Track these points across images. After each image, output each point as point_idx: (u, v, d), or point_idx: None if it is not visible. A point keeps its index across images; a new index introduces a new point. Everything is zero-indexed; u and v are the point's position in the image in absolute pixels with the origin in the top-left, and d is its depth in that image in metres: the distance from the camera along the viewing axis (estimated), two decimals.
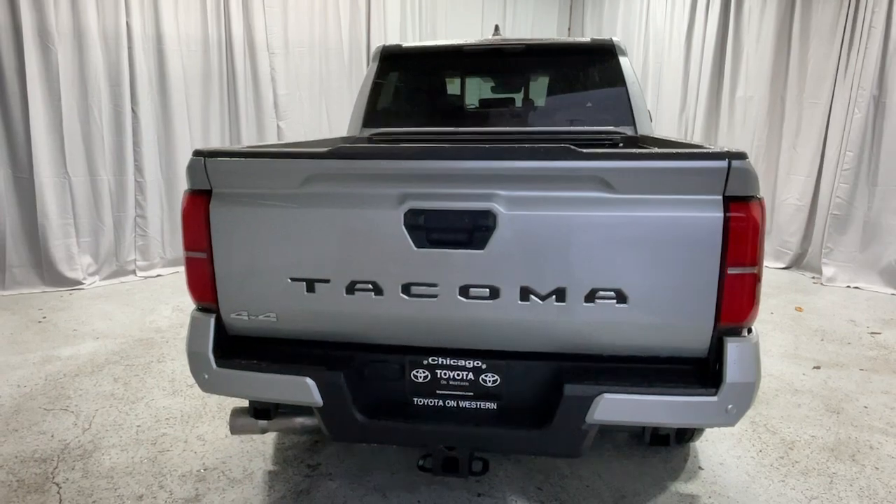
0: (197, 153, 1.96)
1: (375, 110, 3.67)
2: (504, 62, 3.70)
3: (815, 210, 5.98)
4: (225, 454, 2.86)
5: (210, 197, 1.98)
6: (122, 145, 5.62)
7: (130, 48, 5.53)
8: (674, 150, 1.77)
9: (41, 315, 4.82)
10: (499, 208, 1.82)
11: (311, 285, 1.95)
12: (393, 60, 3.64)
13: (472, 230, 1.83)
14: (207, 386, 2.08)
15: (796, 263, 6.20)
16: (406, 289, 1.90)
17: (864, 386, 3.63)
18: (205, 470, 2.74)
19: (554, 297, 1.85)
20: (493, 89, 3.98)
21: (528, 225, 1.82)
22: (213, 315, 2.07)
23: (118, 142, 5.61)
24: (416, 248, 1.86)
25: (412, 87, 3.74)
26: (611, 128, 3.42)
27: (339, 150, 1.87)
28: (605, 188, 1.77)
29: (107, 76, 5.48)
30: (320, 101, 6.73)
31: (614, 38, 3.41)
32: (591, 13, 8.40)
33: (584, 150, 1.76)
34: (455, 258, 1.86)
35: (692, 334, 1.85)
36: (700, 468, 2.78)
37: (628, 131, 3.40)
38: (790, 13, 5.94)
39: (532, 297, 1.85)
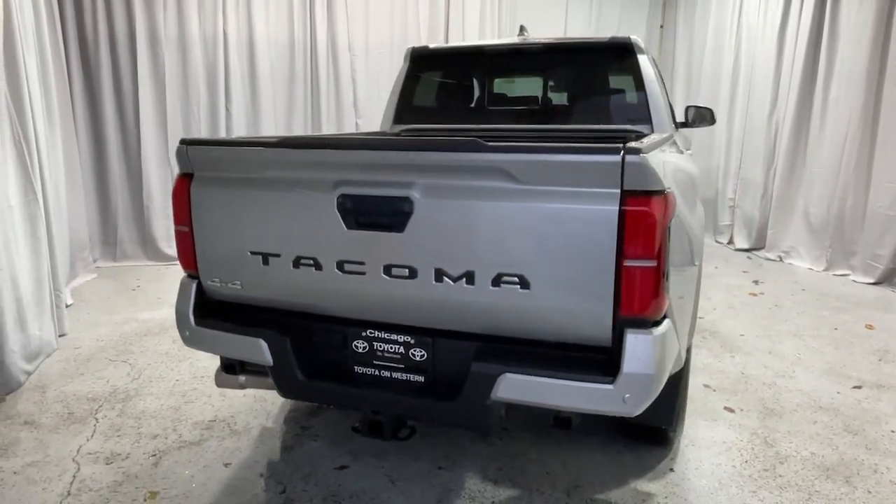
0: (182, 141, 2.30)
1: (405, 107, 3.91)
2: (525, 62, 3.79)
3: None
4: (236, 409, 3.24)
5: (192, 180, 2.32)
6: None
7: (226, 52, 6.21)
8: (571, 145, 1.85)
9: (137, 284, 5.57)
10: (415, 195, 1.98)
11: (265, 258, 2.23)
12: (421, 61, 3.85)
13: (392, 214, 2.01)
14: (188, 341, 2.43)
15: (888, 279, 5.64)
16: (340, 265, 2.12)
17: None
18: (214, 420, 3.14)
19: (464, 279, 1.98)
20: (516, 88, 4.07)
21: (441, 212, 1.97)
22: (196, 281, 2.42)
23: (213, 136, 6.30)
24: (346, 230, 2.07)
25: (439, 86, 3.94)
26: (627, 126, 3.41)
27: (286, 140, 2.13)
28: (509, 179, 1.88)
29: (205, 77, 6.19)
30: None
31: (632, 37, 3.38)
32: (683, 10, 8.08)
33: (490, 143, 1.88)
34: (379, 239, 2.05)
35: (593, 323, 1.90)
36: (671, 470, 2.75)
37: (645, 130, 3.37)
38: (890, 5, 5.41)
39: (445, 278, 2.00)
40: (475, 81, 3.97)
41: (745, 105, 7.00)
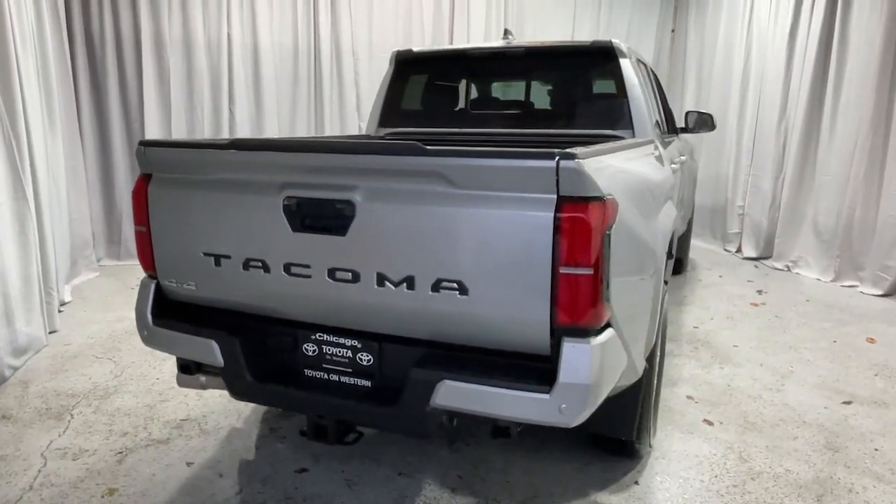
0: (140, 143, 2.32)
1: (390, 111, 3.90)
2: (508, 65, 3.75)
3: None
4: (209, 409, 3.26)
5: (149, 180, 2.34)
6: None
7: (230, 55, 6.28)
8: (508, 150, 1.82)
9: (137, 283, 5.63)
10: (357, 198, 1.97)
11: (217, 260, 2.23)
12: (406, 64, 3.84)
13: (335, 217, 2.00)
14: (146, 340, 2.45)
15: None
16: (287, 268, 2.11)
17: (892, 429, 3.21)
18: (186, 420, 3.16)
19: (405, 284, 1.95)
20: (499, 92, 4.04)
21: (382, 215, 1.95)
22: (155, 281, 2.44)
23: (217, 138, 6.38)
24: (292, 232, 2.07)
25: (423, 90, 3.92)
26: (608, 131, 3.35)
27: (235, 142, 2.14)
28: (447, 184, 1.86)
29: (209, 80, 6.27)
30: None
31: (614, 40, 3.31)
32: (695, 14, 7.94)
33: (428, 147, 1.86)
34: (323, 242, 2.04)
35: (531, 331, 1.86)
36: (636, 483, 2.68)
37: (626, 135, 3.31)
38: None
39: (387, 283, 1.98)
40: (459, 85, 3.95)
41: (754, 111, 6.85)
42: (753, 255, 6.93)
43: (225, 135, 6.39)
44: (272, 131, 6.59)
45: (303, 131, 6.78)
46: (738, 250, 7.18)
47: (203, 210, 2.24)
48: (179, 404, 3.32)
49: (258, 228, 2.14)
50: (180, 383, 2.62)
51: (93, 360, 3.88)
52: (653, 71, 4.52)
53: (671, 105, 8.15)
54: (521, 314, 1.86)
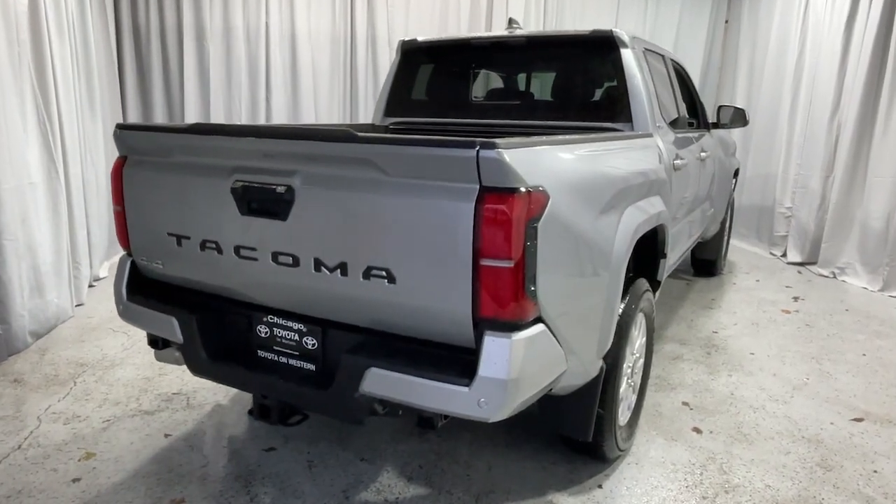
0: (117, 126, 2.43)
1: (396, 100, 3.91)
2: (510, 56, 3.66)
3: None
4: (201, 386, 3.38)
5: (124, 162, 2.45)
6: None
7: (268, 44, 6.44)
8: (432, 138, 1.79)
9: None
10: (297, 184, 1.99)
11: (179, 240, 2.31)
12: (411, 54, 3.83)
13: (277, 202, 2.03)
14: (122, 315, 2.57)
15: None
16: (237, 251, 2.16)
17: None
18: (177, 394, 3.30)
19: (339, 270, 1.97)
20: (501, 82, 3.96)
21: (319, 201, 1.97)
22: (130, 259, 2.55)
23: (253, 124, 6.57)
24: (240, 215, 2.12)
25: (428, 79, 3.89)
26: (607, 123, 3.24)
27: (193, 126, 2.20)
28: (378, 171, 1.85)
29: (247, 69, 6.45)
30: None
31: (615, 30, 3.18)
32: (749, 3, 7.52)
33: (360, 135, 1.86)
34: (267, 226, 2.08)
35: (455, 323, 1.83)
36: (599, 486, 2.61)
37: (625, 128, 3.20)
38: None
39: (323, 268, 2.00)
40: (462, 75, 3.90)
41: (807, 106, 6.44)
42: (798, 259, 6.55)
43: (262, 122, 6.57)
44: (308, 119, 6.72)
45: (338, 119, 6.89)
46: (784, 254, 6.80)
47: (168, 192, 2.33)
48: (175, 379, 3.47)
49: (212, 211, 2.20)
50: (157, 358, 2.73)
51: (109, 333, 4.10)
52: (676, 62, 4.32)
53: (721, 99, 7.83)
54: (446, 305, 1.84)
